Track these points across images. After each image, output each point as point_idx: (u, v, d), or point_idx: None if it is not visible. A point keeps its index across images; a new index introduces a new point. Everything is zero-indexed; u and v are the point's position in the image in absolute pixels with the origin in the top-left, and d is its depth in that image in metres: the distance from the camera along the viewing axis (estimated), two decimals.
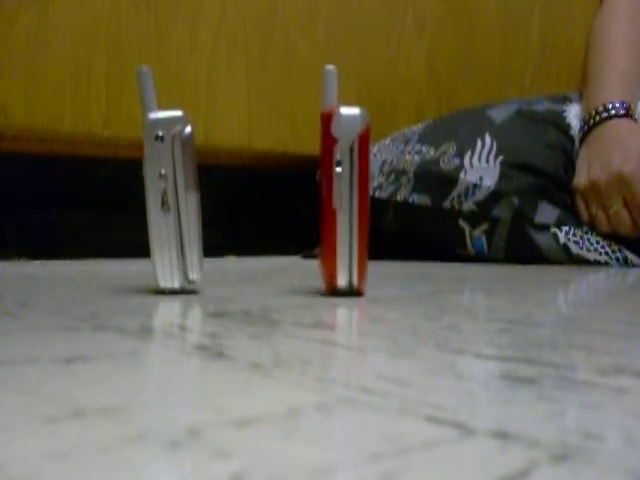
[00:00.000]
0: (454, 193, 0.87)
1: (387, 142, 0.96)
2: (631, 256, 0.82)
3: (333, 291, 0.45)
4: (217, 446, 0.15)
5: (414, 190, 0.89)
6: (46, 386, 0.20)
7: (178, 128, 0.43)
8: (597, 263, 0.82)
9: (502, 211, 0.85)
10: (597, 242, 0.82)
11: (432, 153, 0.89)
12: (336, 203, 0.44)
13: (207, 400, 0.19)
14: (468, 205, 0.86)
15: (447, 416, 0.17)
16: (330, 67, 0.45)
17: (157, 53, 0.89)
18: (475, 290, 0.53)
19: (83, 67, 0.84)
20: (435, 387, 0.21)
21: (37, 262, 0.77)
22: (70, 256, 0.82)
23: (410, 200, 0.89)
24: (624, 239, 0.82)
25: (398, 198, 0.89)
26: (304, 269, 0.43)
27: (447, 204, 0.87)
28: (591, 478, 0.14)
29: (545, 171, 0.86)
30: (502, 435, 0.16)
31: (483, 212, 0.85)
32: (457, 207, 0.86)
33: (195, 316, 0.37)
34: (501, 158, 0.86)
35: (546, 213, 0.85)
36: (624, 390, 0.21)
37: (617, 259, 0.82)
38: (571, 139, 0.88)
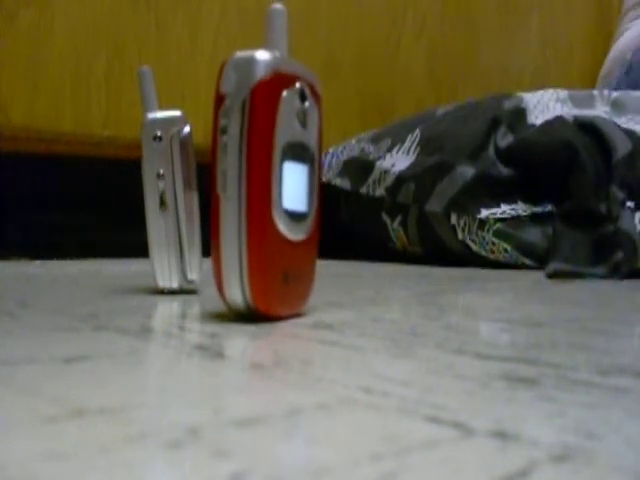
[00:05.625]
0: (370, 179, 0.88)
1: (352, 142, 0.96)
2: (525, 260, 0.75)
3: (228, 307, 0.32)
4: (217, 446, 0.15)
5: (338, 175, 0.92)
6: (46, 386, 0.20)
7: (176, 128, 0.43)
8: (497, 262, 0.76)
9: (404, 197, 0.82)
10: (492, 243, 0.75)
11: (371, 149, 0.90)
12: (220, 186, 0.31)
13: (207, 400, 0.19)
14: (380, 191, 0.86)
15: (447, 416, 0.17)
16: (278, 6, 0.32)
17: (157, 53, 0.89)
18: (475, 290, 0.53)
19: (83, 67, 0.84)
20: (435, 387, 0.20)
21: (37, 262, 0.77)
22: (70, 256, 0.82)
23: (333, 183, 0.92)
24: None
25: (323, 179, 0.88)
26: None
27: (364, 189, 0.88)
28: (591, 478, 0.14)
29: (454, 151, 0.79)
30: (502, 435, 0.16)
31: (390, 198, 0.84)
32: (372, 193, 0.87)
33: (194, 316, 0.37)
34: (419, 149, 0.84)
35: (440, 199, 0.78)
36: (624, 390, 0.21)
37: (515, 261, 0.75)
38: (503, 121, 0.79)
